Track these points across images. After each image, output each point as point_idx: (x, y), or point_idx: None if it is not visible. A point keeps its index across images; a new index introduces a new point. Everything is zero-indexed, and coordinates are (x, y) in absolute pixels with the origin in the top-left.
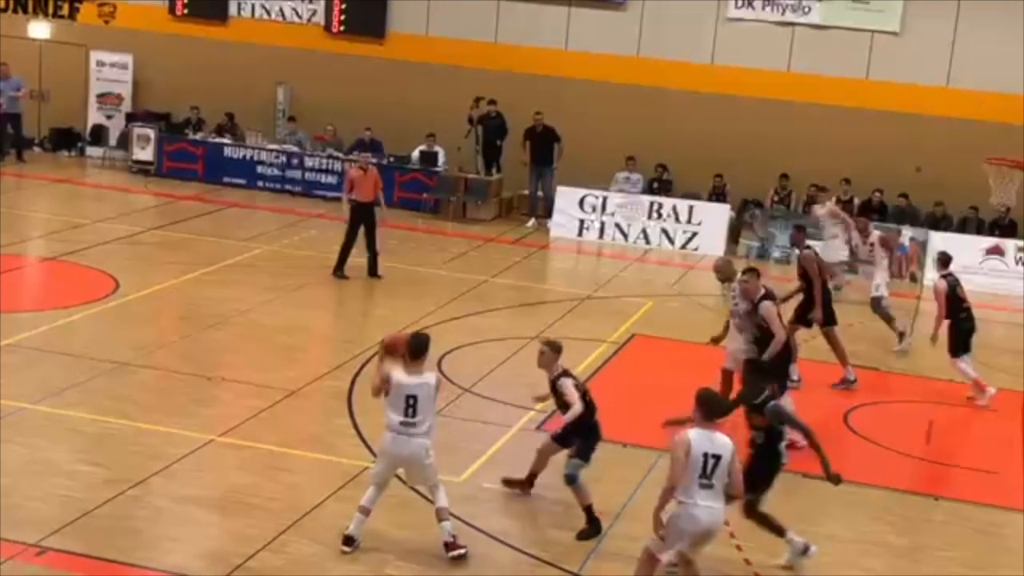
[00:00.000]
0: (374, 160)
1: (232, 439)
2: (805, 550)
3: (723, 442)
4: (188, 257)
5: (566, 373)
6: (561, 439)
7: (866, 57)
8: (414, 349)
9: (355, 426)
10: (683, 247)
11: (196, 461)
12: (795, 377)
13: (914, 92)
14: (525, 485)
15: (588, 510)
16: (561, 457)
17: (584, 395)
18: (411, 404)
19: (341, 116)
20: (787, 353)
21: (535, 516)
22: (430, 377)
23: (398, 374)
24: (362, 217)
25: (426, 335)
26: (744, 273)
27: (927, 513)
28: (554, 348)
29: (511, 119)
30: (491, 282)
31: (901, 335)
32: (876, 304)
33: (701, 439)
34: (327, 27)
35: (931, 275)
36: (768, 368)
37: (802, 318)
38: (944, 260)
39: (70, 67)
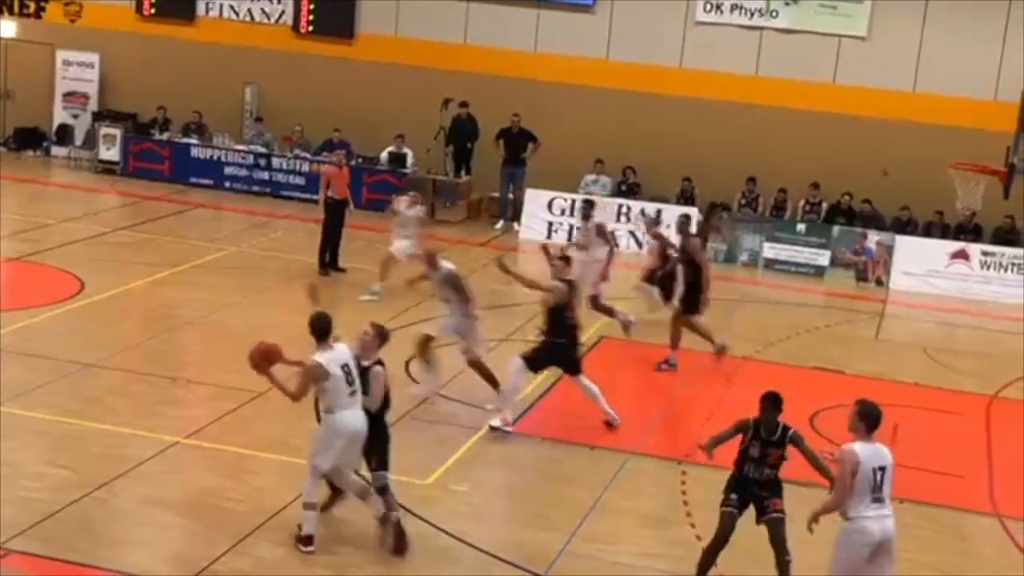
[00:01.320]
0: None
1: (198, 441)
2: None
3: (886, 453)
4: (154, 258)
5: (381, 363)
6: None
7: (833, 61)
8: (320, 330)
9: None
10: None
11: (162, 463)
12: (672, 361)
13: (881, 96)
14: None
15: (395, 522)
16: (535, 461)
17: (385, 397)
18: (348, 372)
19: (309, 117)
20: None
21: (502, 519)
22: (345, 348)
23: (322, 356)
24: (337, 213)
25: (327, 314)
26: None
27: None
28: (380, 334)
29: (479, 121)
30: None
31: (626, 324)
32: (593, 301)
33: (868, 453)
34: (295, 27)
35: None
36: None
37: (690, 306)
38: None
39: (36, 66)
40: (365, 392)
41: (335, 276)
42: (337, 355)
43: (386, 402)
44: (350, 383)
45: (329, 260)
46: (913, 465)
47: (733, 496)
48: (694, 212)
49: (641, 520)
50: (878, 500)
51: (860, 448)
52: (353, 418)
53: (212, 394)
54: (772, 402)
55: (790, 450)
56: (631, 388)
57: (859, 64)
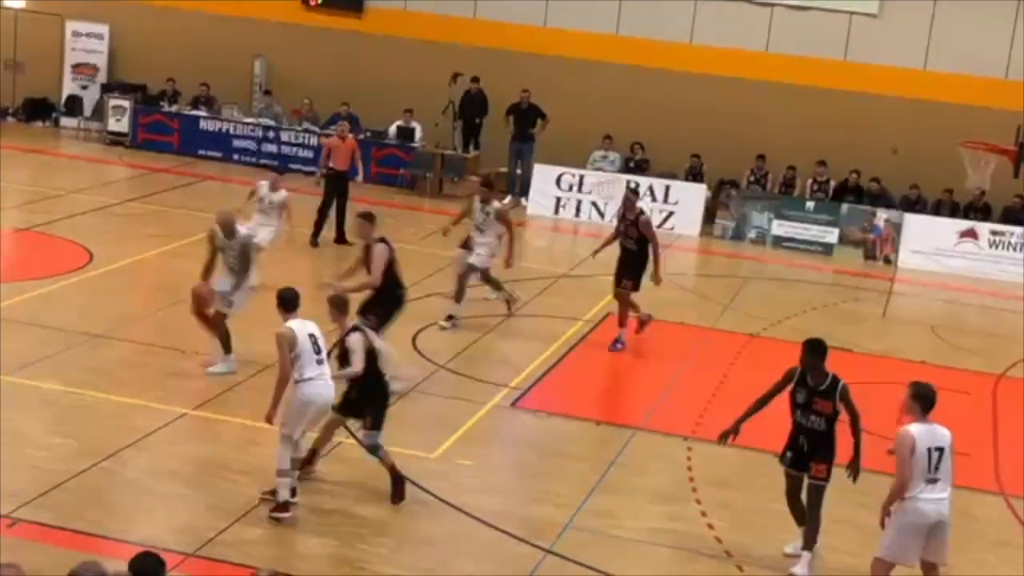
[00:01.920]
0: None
1: (206, 412)
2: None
3: (943, 433)
4: (163, 229)
5: (358, 328)
6: (346, 408)
7: (844, 39)
8: (287, 301)
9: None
10: (659, 227)
11: (169, 434)
12: (622, 342)
13: (891, 74)
14: (307, 464)
15: (392, 470)
16: (541, 436)
17: (371, 356)
18: (315, 341)
19: (318, 90)
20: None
21: (508, 493)
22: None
23: (293, 326)
24: (337, 185)
25: (293, 288)
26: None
27: None
28: (335, 304)
29: (489, 96)
30: None
31: (509, 302)
32: (480, 273)
33: (924, 434)
34: (305, 0)
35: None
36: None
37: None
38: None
39: (45, 37)
40: (342, 361)
41: (330, 249)
42: (303, 325)
43: (371, 362)
44: (317, 351)
45: (337, 234)
46: None
47: (788, 453)
48: (702, 188)
49: (647, 495)
50: (933, 481)
51: (915, 429)
52: (324, 387)
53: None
54: (812, 348)
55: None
56: (636, 364)
57: (870, 42)
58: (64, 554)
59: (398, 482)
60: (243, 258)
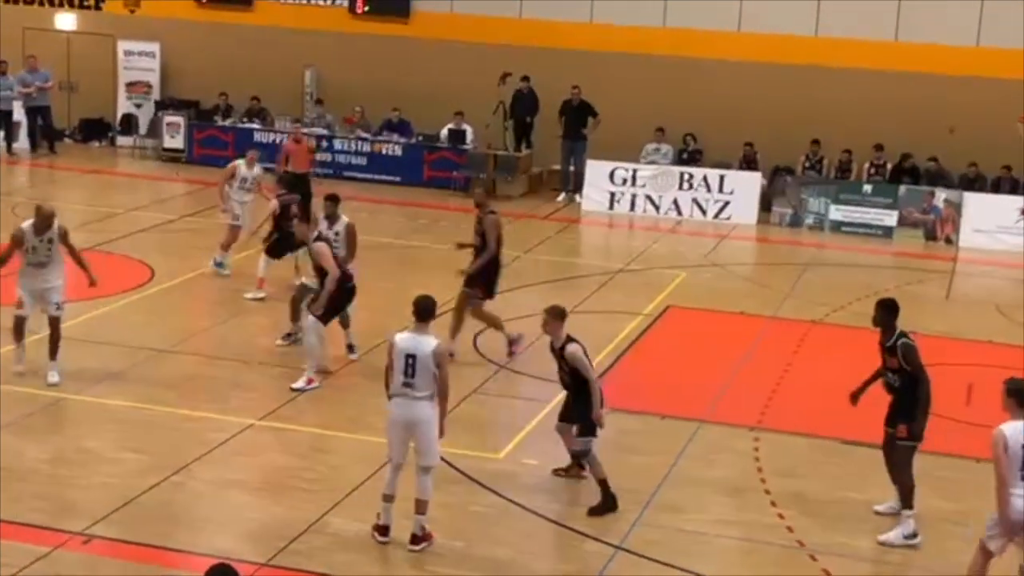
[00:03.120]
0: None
1: (271, 422)
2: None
3: None
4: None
5: (572, 339)
6: (573, 417)
7: (895, 18)
8: (420, 311)
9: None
10: (715, 217)
11: (237, 445)
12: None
13: (944, 52)
14: (574, 468)
15: (603, 484)
16: (605, 432)
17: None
18: (410, 364)
19: (369, 97)
20: None
21: (576, 492)
22: (431, 341)
23: (398, 336)
24: (299, 187)
25: (431, 297)
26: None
27: (971, 476)
28: (556, 314)
29: (538, 94)
30: (524, 258)
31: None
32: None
33: (1015, 432)
34: (351, 8)
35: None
36: None
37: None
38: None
39: (98, 57)
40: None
41: (406, 261)
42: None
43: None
44: (408, 369)
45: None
46: (988, 424)
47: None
48: (757, 177)
49: (715, 488)
50: None
51: (1007, 427)
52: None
53: (283, 375)
54: (882, 305)
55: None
56: (699, 356)
57: (921, 20)
58: (139, 568)
59: (605, 495)
60: (58, 253)
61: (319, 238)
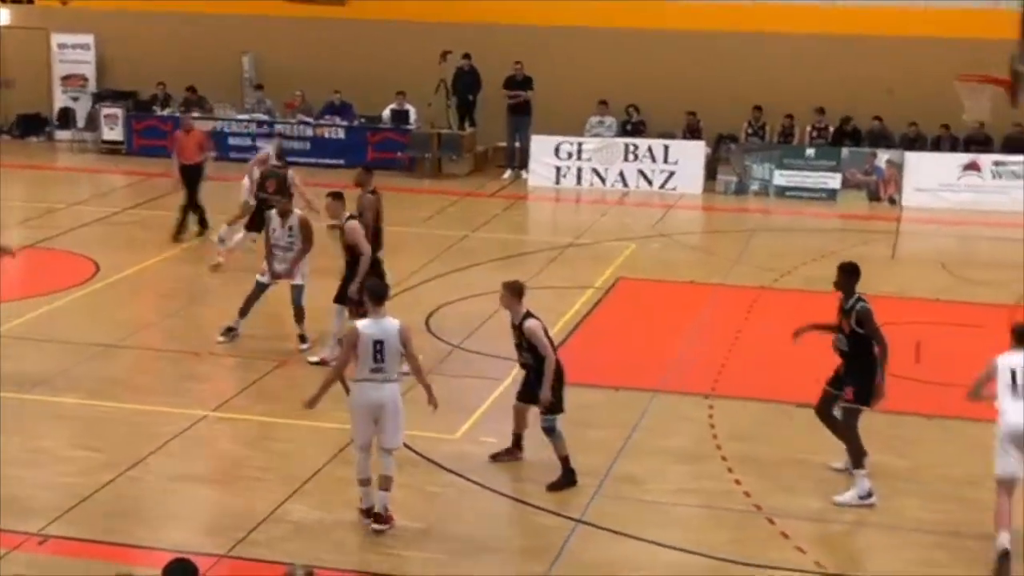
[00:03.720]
0: (197, 115)
1: (224, 413)
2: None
3: None
4: (166, 235)
5: (531, 315)
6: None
7: None
8: (374, 296)
9: (347, 391)
10: (661, 187)
11: (191, 438)
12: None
13: (880, 14)
14: (514, 451)
15: (564, 461)
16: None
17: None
18: (379, 349)
19: (309, 81)
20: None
21: (534, 466)
22: (393, 323)
23: (360, 324)
24: (189, 177)
25: (382, 280)
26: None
27: (922, 433)
28: (514, 290)
29: (480, 72)
30: (472, 236)
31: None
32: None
33: (1006, 358)
34: None
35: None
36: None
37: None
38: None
39: (32, 51)
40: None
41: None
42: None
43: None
44: (377, 355)
45: (199, 225)
46: (938, 381)
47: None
48: (701, 145)
49: (672, 457)
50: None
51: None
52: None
53: (236, 365)
54: (842, 269)
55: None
56: (651, 327)
57: None
58: (97, 566)
59: (565, 471)
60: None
61: (351, 217)
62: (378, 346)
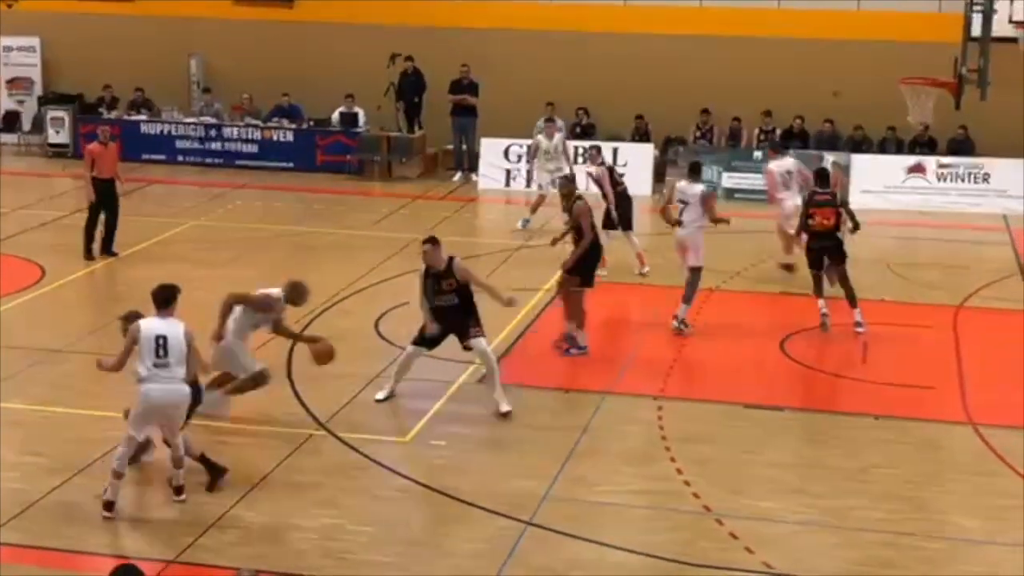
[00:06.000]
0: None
1: None
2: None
3: None
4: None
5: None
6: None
7: None
8: (159, 300)
9: (296, 395)
10: None
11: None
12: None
13: (827, 17)
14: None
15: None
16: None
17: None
18: (161, 345)
19: (257, 83)
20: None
21: (483, 470)
22: (179, 323)
23: (145, 322)
24: (104, 193)
25: (172, 285)
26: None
27: (870, 433)
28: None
29: (428, 74)
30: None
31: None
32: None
33: None
34: None
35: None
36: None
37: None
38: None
39: None
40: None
41: (304, 248)
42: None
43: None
44: (160, 350)
45: (104, 244)
46: (884, 381)
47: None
48: (649, 148)
49: (621, 458)
50: None
51: None
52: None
53: None
54: (817, 172)
55: None
56: (601, 328)
57: None
58: (45, 573)
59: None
60: None
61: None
62: (160, 340)
